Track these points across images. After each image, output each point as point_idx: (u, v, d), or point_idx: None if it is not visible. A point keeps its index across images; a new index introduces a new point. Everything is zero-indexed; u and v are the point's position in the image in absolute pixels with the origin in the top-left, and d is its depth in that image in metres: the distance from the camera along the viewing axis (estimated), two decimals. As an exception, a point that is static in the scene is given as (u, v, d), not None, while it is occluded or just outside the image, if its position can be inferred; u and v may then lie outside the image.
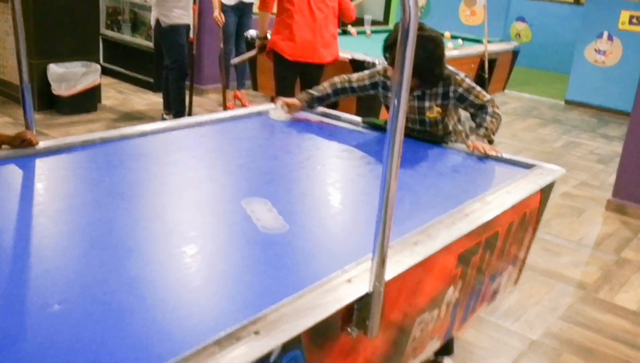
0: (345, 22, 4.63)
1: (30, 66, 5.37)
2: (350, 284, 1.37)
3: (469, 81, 2.56)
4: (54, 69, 5.25)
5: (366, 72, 2.76)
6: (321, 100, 2.78)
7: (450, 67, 2.57)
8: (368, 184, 2.09)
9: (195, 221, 1.71)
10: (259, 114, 2.82)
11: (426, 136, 2.59)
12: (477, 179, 2.29)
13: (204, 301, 1.31)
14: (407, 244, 1.59)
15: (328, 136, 2.61)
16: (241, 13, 5.98)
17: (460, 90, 2.53)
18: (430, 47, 2.38)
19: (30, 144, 2.02)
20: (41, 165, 2.00)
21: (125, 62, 6.58)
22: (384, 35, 2.73)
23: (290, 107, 2.74)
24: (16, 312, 1.20)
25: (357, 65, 4.32)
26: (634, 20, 7.01)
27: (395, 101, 1.16)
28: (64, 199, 1.78)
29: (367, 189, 2.05)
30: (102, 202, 1.75)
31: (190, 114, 5.35)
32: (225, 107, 5.61)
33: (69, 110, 5.32)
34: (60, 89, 5.28)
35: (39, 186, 1.90)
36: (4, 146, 2.00)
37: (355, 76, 2.75)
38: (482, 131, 2.50)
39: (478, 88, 2.57)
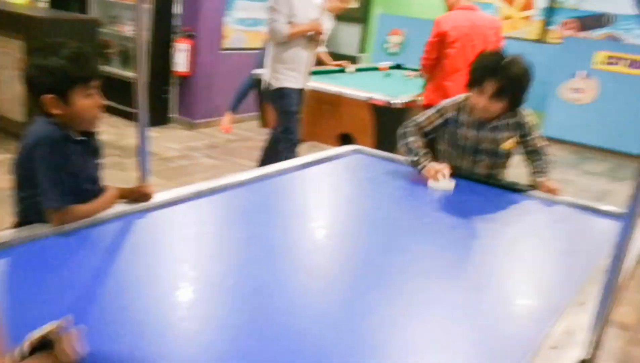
0: None
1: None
2: (556, 350, 1.38)
3: (533, 118, 2.63)
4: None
5: (432, 111, 2.67)
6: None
7: None
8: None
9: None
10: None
11: (509, 185, 2.61)
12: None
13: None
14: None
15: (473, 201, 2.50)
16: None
17: (528, 123, 2.60)
18: (530, 73, 2.50)
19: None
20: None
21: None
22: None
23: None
24: None
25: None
26: (609, 60, 7.16)
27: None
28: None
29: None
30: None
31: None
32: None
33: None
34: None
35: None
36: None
37: (422, 119, 2.65)
38: (543, 177, 2.55)
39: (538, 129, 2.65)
